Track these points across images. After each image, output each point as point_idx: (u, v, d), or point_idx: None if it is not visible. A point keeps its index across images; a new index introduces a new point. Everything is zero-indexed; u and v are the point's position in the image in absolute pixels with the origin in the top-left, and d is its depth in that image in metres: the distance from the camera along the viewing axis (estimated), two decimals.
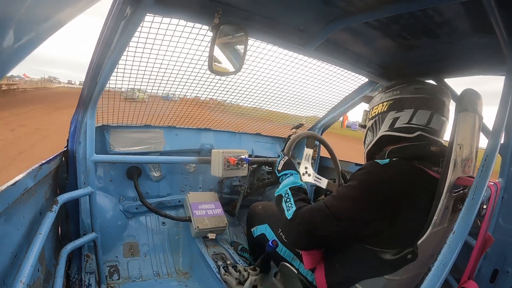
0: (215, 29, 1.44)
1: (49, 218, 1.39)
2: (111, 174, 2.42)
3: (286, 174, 1.64)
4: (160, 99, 2.47)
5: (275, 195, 1.58)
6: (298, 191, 1.51)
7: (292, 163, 1.71)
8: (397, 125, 1.37)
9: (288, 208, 1.42)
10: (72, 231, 2.01)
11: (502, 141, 1.43)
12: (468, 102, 1.23)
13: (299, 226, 1.34)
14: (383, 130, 1.41)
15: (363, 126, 1.58)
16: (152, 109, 2.48)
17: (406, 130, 1.35)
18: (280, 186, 1.57)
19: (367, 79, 2.33)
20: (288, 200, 1.45)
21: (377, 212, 1.21)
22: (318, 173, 1.96)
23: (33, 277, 1.27)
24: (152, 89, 2.22)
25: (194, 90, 2.33)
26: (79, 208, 1.98)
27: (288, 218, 1.40)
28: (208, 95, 2.47)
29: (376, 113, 1.47)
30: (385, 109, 1.42)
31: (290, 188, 1.51)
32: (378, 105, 1.47)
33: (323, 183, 1.93)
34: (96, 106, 1.91)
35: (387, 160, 1.30)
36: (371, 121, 1.50)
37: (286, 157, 1.73)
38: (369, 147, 1.50)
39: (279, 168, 1.69)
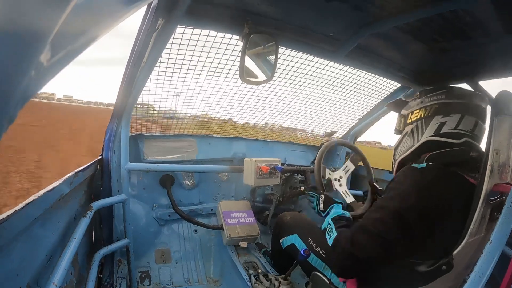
0: (245, 38, 1.45)
1: (83, 224, 1.43)
2: (144, 182, 2.47)
3: (328, 211, 1.61)
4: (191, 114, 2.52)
5: (321, 229, 1.53)
6: (339, 219, 1.46)
7: (330, 197, 1.69)
8: (443, 130, 1.30)
9: (329, 236, 1.38)
10: (105, 237, 2.06)
11: None
12: (504, 105, 1.16)
13: (342, 250, 1.28)
14: (427, 135, 1.34)
15: (399, 132, 1.51)
16: (185, 119, 2.53)
17: (453, 135, 1.28)
18: (324, 221, 1.53)
19: (399, 85, 2.26)
20: (330, 230, 1.40)
21: (417, 218, 1.15)
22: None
23: (66, 280, 1.30)
24: (183, 102, 2.26)
25: (225, 102, 2.36)
26: (112, 215, 2.04)
27: (330, 245, 1.35)
28: (237, 108, 2.49)
29: (418, 117, 1.39)
30: (429, 114, 1.35)
31: (332, 219, 1.47)
32: (420, 109, 1.40)
33: (349, 199, 1.90)
34: (130, 116, 1.96)
35: (424, 164, 1.24)
36: (411, 126, 1.42)
37: (322, 196, 1.72)
38: (406, 153, 1.43)
39: (322, 209, 1.67)
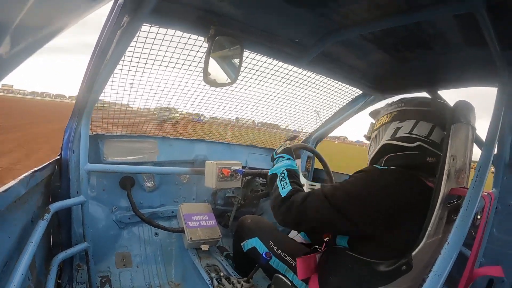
0: (211, 40, 1.45)
1: (41, 227, 1.38)
2: (104, 183, 2.40)
3: (283, 157, 1.66)
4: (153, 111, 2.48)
5: (269, 174, 1.60)
6: (294, 174, 1.53)
7: (292, 152, 1.72)
8: (398, 134, 1.38)
9: (283, 186, 1.44)
10: (64, 241, 1.98)
11: (495, 152, 1.44)
12: (461, 114, 1.24)
13: (292, 205, 1.35)
14: (385, 139, 1.43)
15: (368, 138, 1.60)
16: (147, 120, 2.49)
17: (407, 139, 1.35)
18: (275, 166, 1.61)
19: (361, 92, 2.35)
20: (283, 179, 1.47)
21: (370, 215, 1.22)
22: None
23: (23, 286, 1.24)
24: (146, 100, 2.23)
25: (188, 102, 2.35)
26: (71, 217, 1.96)
27: (282, 196, 1.41)
28: (201, 108, 2.49)
29: (381, 124, 1.48)
30: (388, 120, 1.44)
31: (286, 169, 1.53)
32: (382, 116, 1.49)
33: (317, 187, 1.94)
34: (91, 115, 1.90)
35: (385, 167, 1.32)
36: (375, 132, 1.52)
37: (287, 143, 1.78)
38: (371, 156, 1.51)
39: (278, 151, 1.73)
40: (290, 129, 3.11)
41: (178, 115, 2.60)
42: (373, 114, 1.65)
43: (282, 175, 1.50)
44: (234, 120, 3.04)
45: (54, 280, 1.53)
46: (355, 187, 1.29)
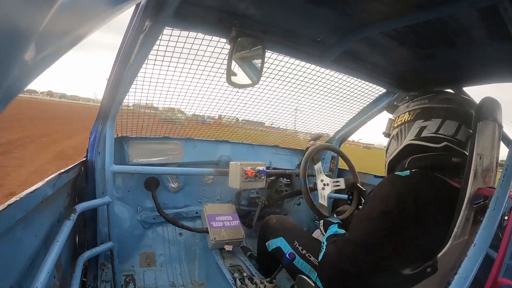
0: (233, 42, 1.45)
1: (67, 226, 1.41)
2: (129, 184, 2.45)
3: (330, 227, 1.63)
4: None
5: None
6: (334, 236, 1.46)
7: (327, 221, 1.71)
8: (423, 134, 1.33)
9: (321, 253, 1.39)
10: (89, 240, 2.03)
11: None
12: (487, 111, 1.19)
13: (330, 264, 1.30)
14: (409, 139, 1.38)
15: (387, 135, 1.55)
16: (171, 122, 2.52)
17: (433, 140, 1.31)
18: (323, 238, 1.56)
19: (384, 90, 2.30)
20: (322, 247, 1.41)
21: (402, 226, 1.18)
22: None
23: (49, 283, 1.28)
24: (170, 103, 2.25)
25: (211, 103, 2.36)
26: (96, 217, 2.01)
27: (318, 260, 1.37)
28: (225, 109, 2.50)
29: (402, 121, 1.43)
30: (411, 118, 1.39)
31: (326, 238, 1.47)
32: (404, 113, 1.44)
33: (342, 183, 1.93)
34: (115, 118, 1.94)
35: (408, 172, 1.27)
36: (396, 130, 1.46)
37: (322, 221, 1.76)
38: (392, 156, 1.46)
39: (323, 233, 1.70)
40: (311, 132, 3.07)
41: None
42: (390, 109, 1.61)
43: (322, 245, 1.42)
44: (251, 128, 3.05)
45: (79, 278, 1.56)
46: (375, 210, 1.24)
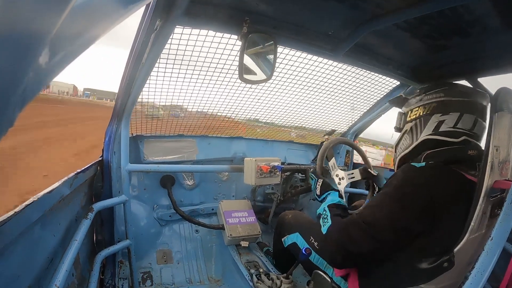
0: (244, 38, 1.45)
1: (84, 225, 1.43)
2: (145, 183, 2.48)
3: (325, 197, 1.63)
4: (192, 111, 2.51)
5: (316, 214, 1.56)
6: (335, 207, 1.47)
7: (327, 183, 1.71)
8: (442, 129, 1.31)
9: (324, 223, 1.40)
10: (106, 238, 2.06)
11: None
12: (504, 102, 1.16)
13: (335, 241, 1.29)
14: (426, 134, 1.35)
15: (399, 129, 1.51)
16: (185, 120, 2.54)
17: (452, 134, 1.28)
18: (320, 207, 1.55)
19: (398, 82, 2.26)
20: (325, 217, 1.42)
21: (415, 218, 1.16)
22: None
23: (67, 281, 1.30)
24: (183, 101, 2.26)
25: (225, 100, 2.36)
26: (113, 216, 2.04)
27: (323, 233, 1.37)
28: (237, 106, 2.49)
29: (417, 115, 1.40)
30: (427, 112, 1.36)
31: (328, 206, 1.47)
32: (418, 107, 1.40)
33: (357, 174, 1.90)
34: (130, 117, 1.96)
35: (423, 163, 1.25)
36: (410, 124, 1.43)
37: (320, 180, 1.73)
38: (406, 151, 1.43)
39: (318, 193, 1.69)
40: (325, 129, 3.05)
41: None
42: (395, 102, 1.57)
43: (324, 212, 1.44)
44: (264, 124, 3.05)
45: (98, 276, 1.59)
46: (391, 198, 1.23)
